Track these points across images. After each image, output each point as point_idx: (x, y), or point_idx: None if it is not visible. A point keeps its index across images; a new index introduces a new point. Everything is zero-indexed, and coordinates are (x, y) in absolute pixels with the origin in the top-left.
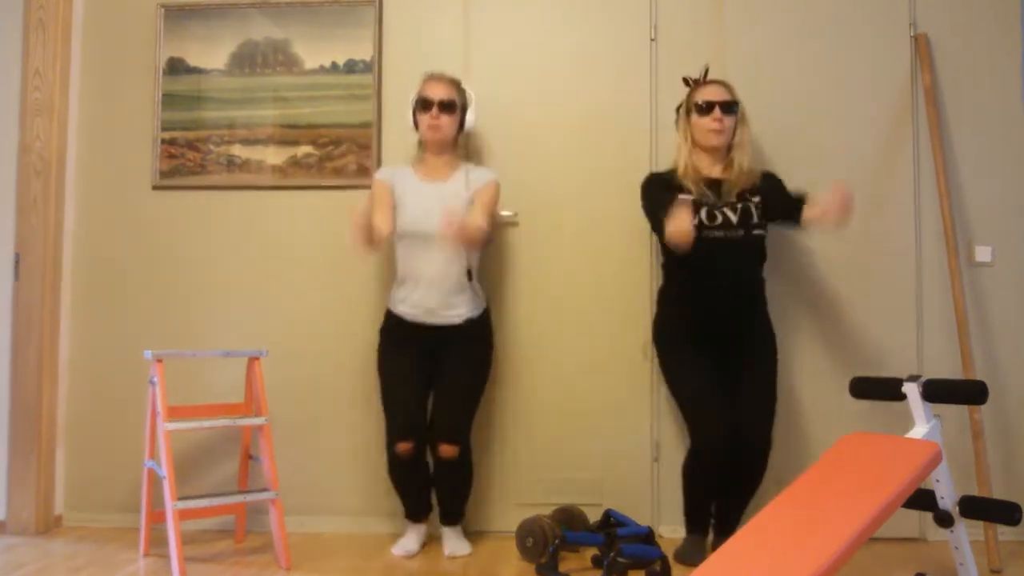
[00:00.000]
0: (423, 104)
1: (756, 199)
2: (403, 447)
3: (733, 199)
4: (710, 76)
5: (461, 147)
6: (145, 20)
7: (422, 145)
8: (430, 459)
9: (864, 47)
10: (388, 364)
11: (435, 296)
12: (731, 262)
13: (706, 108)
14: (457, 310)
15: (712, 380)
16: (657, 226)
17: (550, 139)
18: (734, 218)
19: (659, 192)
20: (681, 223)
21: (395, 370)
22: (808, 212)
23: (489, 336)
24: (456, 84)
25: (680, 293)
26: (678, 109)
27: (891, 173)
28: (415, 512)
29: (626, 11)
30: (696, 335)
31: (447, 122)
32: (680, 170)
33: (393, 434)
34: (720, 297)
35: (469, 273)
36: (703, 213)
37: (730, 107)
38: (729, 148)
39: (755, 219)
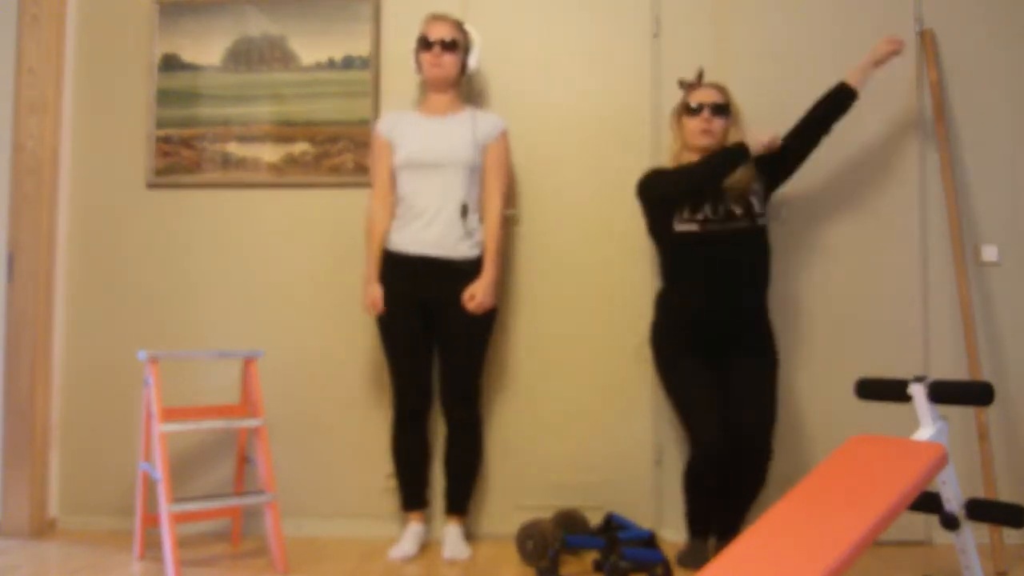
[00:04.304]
0: (425, 44)
1: (756, 189)
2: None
3: (735, 197)
4: (707, 79)
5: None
6: (139, 16)
7: (424, 87)
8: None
9: (869, 43)
10: (389, 328)
11: (434, 228)
12: (738, 254)
13: (696, 109)
14: (456, 245)
15: (711, 385)
16: (663, 184)
17: (551, 136)
18: (738, 210)
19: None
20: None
21: (398, 334)
22: (859, 68)
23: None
24: (458, 24)
25: (682, 292)
26: (673, 112)
27: (896, 171)
28: (413, 499)
29: (628, 7)
30: (696, 337)
31: (449, 61)
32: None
33: (400, 408)
34: (725, 291)
35: (464, 208)
36: (707, 207)
37: (720, 109)
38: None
39: (757, 209)
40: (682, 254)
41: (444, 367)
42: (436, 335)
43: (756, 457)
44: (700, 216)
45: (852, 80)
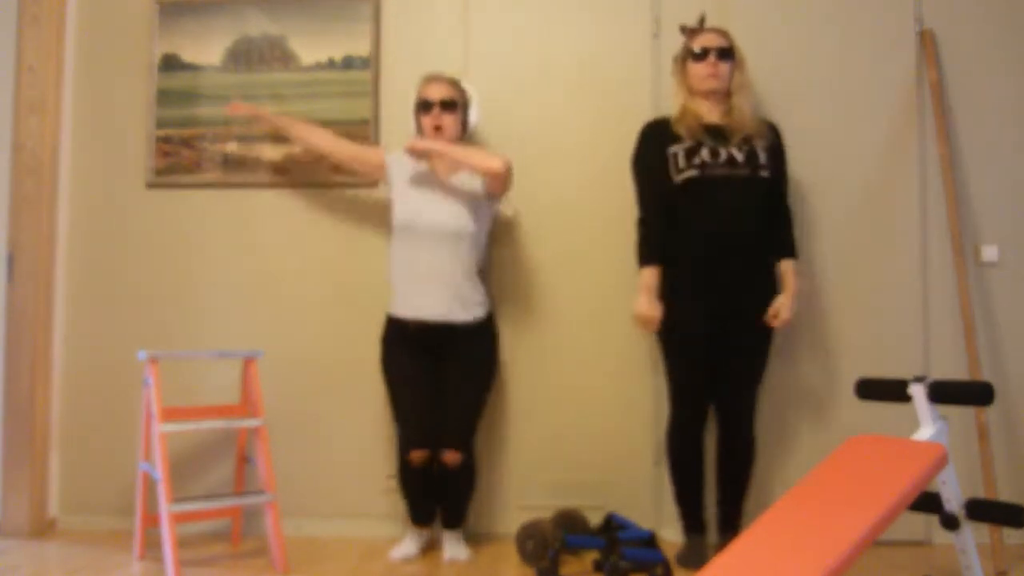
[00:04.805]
0: (424, 106)
1: (763, 144)
2: (417, 456)
3: (739, 141)
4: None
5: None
6: (139, 16)
7: None
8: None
9: (869, 43)
10: (395, 372)
11: (436, 294)
12: (735, 202)
13: (701, 54)
14: (461, 310)
15: (701, 359)
16: (639, 185)
17: (551, 136)
18: (739, 157)
19: (651, 150)
20: (646, 308)
21: (403, 377)
22: (790, 286)
23: (495, 337)
24: (455, 83)
25: (683, 238)
26: (675, 59)
27: (896, 171)
28: (420, 518)
29: (628, 7)
30: (697, 287)
31: (450, 121)
32: (676, 117)
33: (407, 444)
34: (724, 240)
35: (467, 275)
36: (704, 151)
37: (726, 53)
38: (729, 94)
39: (761, 161)
40: (682, 200)
41: (443, 413)
42: (440, 377)
43: (739, 423)
44: (697, 161)
45: (785, 266)
